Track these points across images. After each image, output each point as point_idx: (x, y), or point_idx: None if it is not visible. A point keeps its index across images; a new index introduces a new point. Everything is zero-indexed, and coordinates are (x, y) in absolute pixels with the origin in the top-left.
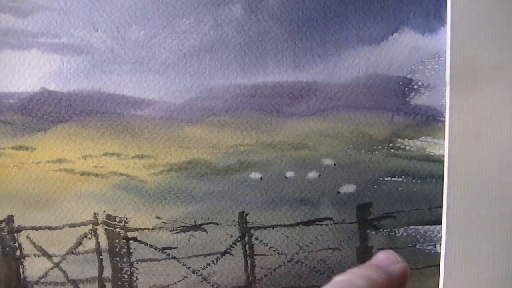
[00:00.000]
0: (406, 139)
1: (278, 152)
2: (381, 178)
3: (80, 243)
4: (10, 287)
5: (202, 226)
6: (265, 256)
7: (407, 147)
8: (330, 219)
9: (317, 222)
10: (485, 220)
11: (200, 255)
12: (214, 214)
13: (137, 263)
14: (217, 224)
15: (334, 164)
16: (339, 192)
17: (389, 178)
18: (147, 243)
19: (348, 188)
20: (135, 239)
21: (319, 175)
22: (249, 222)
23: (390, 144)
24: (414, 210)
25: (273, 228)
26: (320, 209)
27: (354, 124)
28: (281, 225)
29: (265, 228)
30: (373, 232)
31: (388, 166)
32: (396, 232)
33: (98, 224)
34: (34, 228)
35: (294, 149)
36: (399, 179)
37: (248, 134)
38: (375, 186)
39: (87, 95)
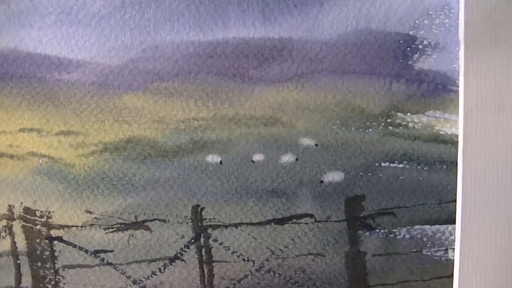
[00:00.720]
0: (408, 114)
1: (242, 129)
2: (376, 164)
3: None
4: None
5: (145, 224)
6: (226, 263)
7: (410, 124)
8: (311, 216)
9: (294, 220)
10: (510, 218)
11: (143, 261)
12: (161, 208)
13: (63, 270)
14: (164, 221)
15: (316, 145)
16: (322, 182)
17: (387, 164)
18: (76, 245)
19: (333, 176)
20: (60, 239)
21: (296, 159)
22: (205, 219)
23: (388, 120)
24: (419, 206)
25: (236, 227)
26: (297, 203)
27: (341, 94)
28: (247, 223)
29: (226, 226)
30: (367, 233)
31: (386, 148)
32: (397, 233)
33: (14, 220)
34: None
35: (263, 125)
36: (400, 165)
37: (204, 105)
38: (369, 174)
39: (0, 54)
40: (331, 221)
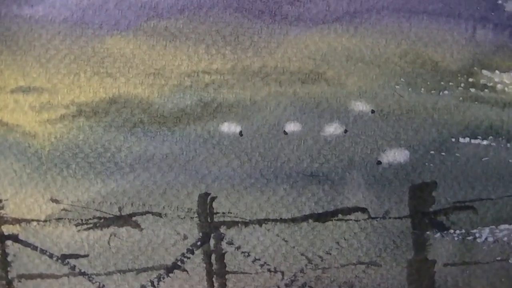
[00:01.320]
0: (496, 72)
1: (272, 87)
2: (452, 140)
3: None
4: None
5: (133, 219)
6: (245, 275)
7: (499, 86)
8: (363, 210)
9: (340, 216)
10: None
11: (129, 270)
12: (155, 197)
13: (18, 280)
14: (159, 215)
15: (372, 111)
16: (379, 163)
17: (467, 140)
18: (37, 247)
19: (395, 156)
20: (15, 238)
21: (345, 131)
22: (217, 213)
23: (470, 80)
24: (507, 198)
25: (260, 225)
26: (345, 192)
27: (408, 42)
28: (275, 220)
29: (246, 224)
30: (438, 234)
31: (466, 118)
32: (477, 235)
33: None
34: None
35: (301, 82)
36: (484, 142)
37: (219, 52)
38: (443, 154)
39: None
40: (390, 217)
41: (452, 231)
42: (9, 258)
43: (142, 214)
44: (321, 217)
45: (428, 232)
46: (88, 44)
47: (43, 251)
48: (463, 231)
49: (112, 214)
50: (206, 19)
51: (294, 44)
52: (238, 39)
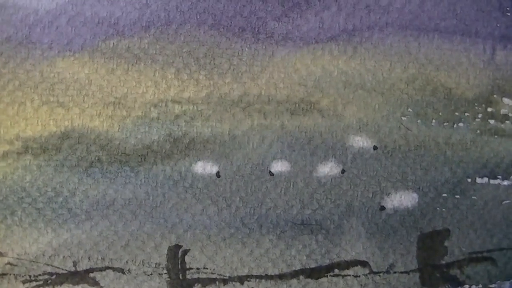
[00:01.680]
0: None
1: (255, 120)
2: (468, 180)
3: None
4: None
5: (91, 276)
6: None
7: None
8: (364, 263)
9: (337, 271)
10: None
11: None
12: (116, 249)
13: None
14: (122, 271)
15: (375, 148)
16: (383, 208)
17: (485, 180)
18: None
19: (401, 200)
20: None
21: (343, 171)
22: (191, 268)
23: (489, 109)
24: None
25: (241, 283)
26: (342, 242)
27: (417, 65)
28: (258, 277)
29: (224, 281)
30: None
31: (484, 154)
32: None
33: None
34: None
35: (289, 112)
36: (505, 182)
37: (192, 78)
38: (457, 196)
39: None
40: (395, 272)
41: (467, 286)
42: None
43: (101, 270)
44: (315, 273)
45: None
46: (35, 68)
47: None
48: (480, 286)
49: (66, 270)
50: (176, 38)
51: (282, 67)
52: (214, 61)
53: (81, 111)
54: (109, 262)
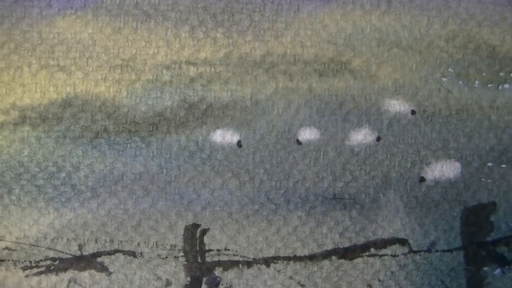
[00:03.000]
0: None
1: (280, 82)
2: None
3: None
4: None
5: (98, 260)
6: None
7: None
8: (403, 242)
9: (373, 251)
10: None
11: None
12: (127, 230)
13: None
14: (133, 254)
15: (413, 112)
16: (423, 179)
17: None
18: None
19: (442, 170)
20: None
21: (378, 139)
22: (211, 250)
23: None
24: None
25: (268, 265)
26: (378, 219)
27: (456, 21)
28: (286, 258)
29: (249, 264)
30: (498, 270)
31: None
32: None
33: None
34: None
35: (318, 74)
36: None
37: (208, 37)
38: (503, 166)
39: None
40: (437, 250)
41: None
42: None
43: (109, 253)
44: (348, 253)
45: (485, 268)
46: (32, 28)
47: None
48: None
49: (70, 254)
50: None
51: (308, 24)
52: (233, 18)
53: (84, 75)
54: (118, 245)
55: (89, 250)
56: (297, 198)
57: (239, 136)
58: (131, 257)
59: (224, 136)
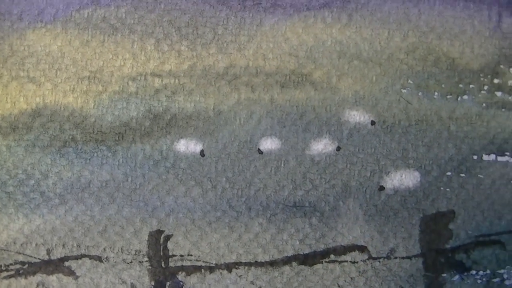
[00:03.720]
0: None
1: (241, 93)
2: (474, 157)
3: None
4: None
5: (66, 264)
6: None
7: None
8: (362, 248)
9: (333, 257)
10: None
11: None
12: (93, 235)
13: None
14: (99, 259)
15: (372, 123)
16: (382, 188)
17: (492, 157)
18: None
19: (402, 179)
20: None
21: (338, 149)
22: (174, 255)
23: (495, 81)
24: None
25: (230, 271)
26: (338, 226)
27: (416, 34)
28: (247, 264)
29: (211, 269)
30: (456, 276)
31: (490, 129)
32: (505, 276)
33: None
34: None
35: (279, 85)
36: None
37: (172, 49)
38: (462, 175)
39: None
40: (396, 257)
41: (474, 272)
42: None
43: (77, 258)
44: (309, 259)
45: (444, 275)
46: (4, 41)
47: None
48: (488, 271)
49: (39, 258)
50: (155, 6)
51: (270, 37)
52: (197, 31)
53: (53, 86)
54: (85, 250)
55: (57, 254)
56: (258, 205)
57: (202, 145)
58: (97, 261)
59: (188, 146)
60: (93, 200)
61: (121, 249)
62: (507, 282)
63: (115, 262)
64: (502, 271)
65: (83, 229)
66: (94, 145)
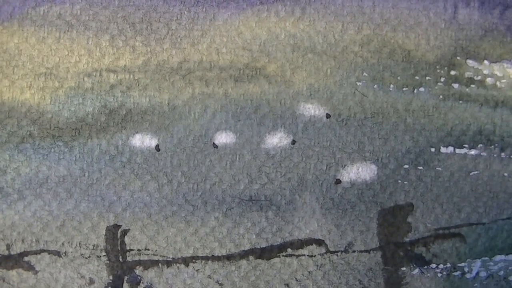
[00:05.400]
0: (485, 62)
1: (195, 88)
2: (432, 149)
3: None
4: None
5: (25, 259)
6: None
7: (489, 80)
8: (319, 242)
9: (290, 251)
10: None
11: None
12: (52, 230)
13: None
14: (58, 254)
15: (327, 116)
16: (338, 181)
17: (450, 149)
18: None
19: (358, 172)
20: None
21: (293, 142)
22: (131, 250)
23: (452, 72)
24: (503, 221)
25: (187, 265)
26: (295, 220)
27: (371, 27)
28: (204, 258)
29: (168, 263)
30: (416, 270)
31: (448, 121)
32: (466, 269)
33: None
34: None
35: (233, 80)
36: (472, 152)
37: (127, 45)
38: (419, 168)
39: None
40: (354, 251)
41: (434, 265)
42: None
43: (36, 253)
44: (265, 253)
45: (403, 268)
46: None
47: None
48: (448, 265)
49: None
50: (110, 3)
51: (224, 31)
52: (151, 27)
53: (10, 83)
54: (44, 245)
55: (16, 249)
56: (214, 199)
57: (157, 140)
58: (56, 256)
59: (143, 140)
60: (51, 195)
61: (79, 243)
62: (467, 276)
63: (74, 256)
64: (462, 264)
65: (41, 224)
66: (51, 140)
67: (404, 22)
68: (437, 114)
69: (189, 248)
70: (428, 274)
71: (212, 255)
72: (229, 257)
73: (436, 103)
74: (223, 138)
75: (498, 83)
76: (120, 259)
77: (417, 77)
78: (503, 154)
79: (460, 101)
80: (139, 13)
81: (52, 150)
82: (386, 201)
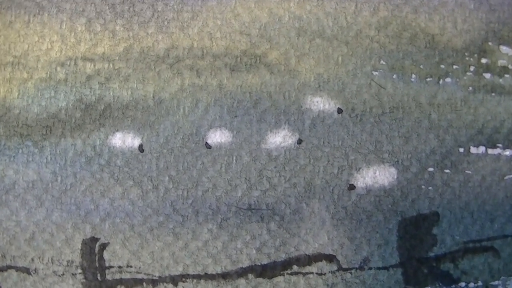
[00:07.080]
0: None
1: (186, 79)
2: (460, 149)
3: None
4: None
5: None
6: None
7: None
8: (330, 258)
9: (296, 268)
10: None
11: None
12: (19, 244)
13: None
14: (26, 271)
15: (339, 111)
16: (352, 187)
17: (481, 150)
18: None
19: (375, 176)
20: None
21: (299, 141)
22: (111, 267)
23: (482, 60)
24: None
25: (175, 284)
26: (301, 232)
27: (389, 7)
28: (195, 276)
29: (154, 282)
30: None
31: (478, 117)
32: None
33: None
34: None
35: (229, 69)
36: (507, 152)
37: (106, 29)
38: (446, 171)
39: None
40: (371, 268)
41: (463, 284)
42: None
43: (1, 270)
44: (267, 271)
45: None
46: None
47: None
48: (480, 283)
49: None
50: None
51: (218, 13)
52: (134, 8)
53: None
54: (11, 261)
55: None
56: (207, 208)
57: (140, 139)
58: (24, 274)
59: (124, 140)
60: (18, 204)
61: (51, 259)
62: None
63: (45, 274)
64: (496, 282)
65: (8, 236)
66: (19, 140)
67: (427, 2)
68: (466, 108)
69: (178, 265)
70: None
71: (205, 273)
72: (224, 276)
73: (464, 96)
74: (218, 137)
75: None
76: (98, 278)
77: (442, 66)
78: None
79: (493, 94)
80: None
81: (20, 151)
82: (408, 210)
